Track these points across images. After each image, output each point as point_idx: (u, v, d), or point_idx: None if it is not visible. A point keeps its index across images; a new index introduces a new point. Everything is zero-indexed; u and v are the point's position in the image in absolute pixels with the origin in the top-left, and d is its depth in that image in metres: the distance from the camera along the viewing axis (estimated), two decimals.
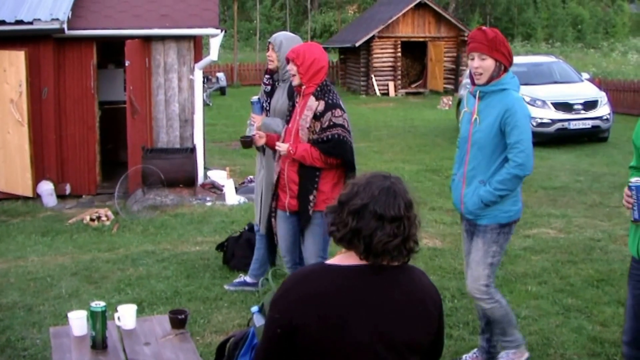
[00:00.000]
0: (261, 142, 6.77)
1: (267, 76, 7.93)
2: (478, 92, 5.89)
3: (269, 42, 7.76)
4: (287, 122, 6.70)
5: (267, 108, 7.81)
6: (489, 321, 6.34)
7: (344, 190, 3.29)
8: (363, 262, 3.22)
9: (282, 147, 6.50)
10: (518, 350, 6.25)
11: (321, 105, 6.39)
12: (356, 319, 3.12)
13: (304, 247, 6.68)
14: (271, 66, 7.79)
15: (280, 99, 7.68)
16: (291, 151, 6.40)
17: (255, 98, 7.70)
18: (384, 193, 3.21)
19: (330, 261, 3.30)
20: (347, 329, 3.12)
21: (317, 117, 6.38)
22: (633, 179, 4.76)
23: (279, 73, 7.74)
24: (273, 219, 6.84)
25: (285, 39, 7.69)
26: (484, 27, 5.90)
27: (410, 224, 3.24)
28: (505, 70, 5.85)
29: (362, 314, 3.14)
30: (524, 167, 5.73)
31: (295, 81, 6.53)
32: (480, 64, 5.79)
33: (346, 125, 6.41)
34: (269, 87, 7.90)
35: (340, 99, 6.54)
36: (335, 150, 6.36)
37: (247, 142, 6.81)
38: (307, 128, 6.40)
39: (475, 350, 6.55)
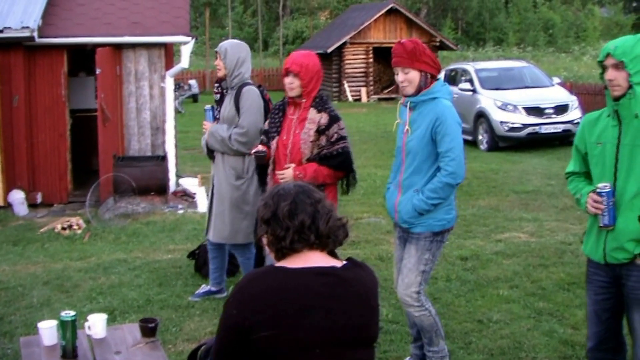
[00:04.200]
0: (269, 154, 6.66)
1: (216, 85, 7.97)
2: (409, 103, 5.91)
3: (216, 51, 7.82)
4: (278, 132, 6.55)
5: (218, 116, 7.89)
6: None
7: (259, 213, 3.44)
8: (311, 265, 3.34)
9: (286, 174, 6.33)
10: None
11: (324, 118, 6.31)
12: (306, 318, 3.22)
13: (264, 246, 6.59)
14: (220, 74, 7.85)
15: (227, 106, 7.74)
16: (299, 175, 6.25)
17: (208, 106, 7.85)
18: (296, 187, 3.43)
19: (279, 264, 3.40)
20: (297, 328, 3.21)
21: (321, 130, 6.29)
22: (600, 185, 4.80)
23: (227, 80, 7.77)
24: None
25: (230, 46, 7.77)
26: (403, 40, 5.89)
27: (332, 209, 3.46)
28: (434, 78, 5.88)
29: (312, 314, 3.23)
30: (455, 176, 5.74)
31: (294, 93, 6.40)
32: (405, 77, 5.81)
33: (347, 137, 6.40)
34: (218, 96, 7.98)
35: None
36: (344, 164, 6.33)
37: (262, 157, 6.57)
38: (312, 142, 6.31)
39: (408, 358, 6.57)
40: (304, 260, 3.35)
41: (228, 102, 7.77)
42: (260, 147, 6.60)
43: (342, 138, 6.31)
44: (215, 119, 7.91)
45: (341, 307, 3.28)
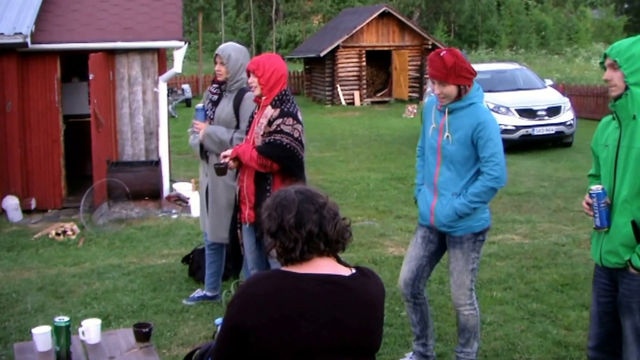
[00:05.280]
0: (235, 164, 6.72)
1: (214, 85, 7.94)
2: (447, 108, 5.91)
3: (217, 55, 7.83)
4: (246, 132, 6.73)
5: (212, 117, 7.86)
6: (424, 327, 6.41)
7: (264, 225, 3.42)
8: (319, 271, 3.32)
9: (228, 151, 6.63)
10: None
11: (276, 112, 6.42)
12: (309, 325, 3.21)
13: (270, 258, 6.65)
14: (220, 79, 7.85)
15: (225, 108, 7.78)
16: (236, 148, 6.55)
17: (200, 105, 7.84)
18: (297, 194, 3.39)
19: (286, 268, 3.37)
20: (299, 334, 3.20)
21: (270, 122, 6.42)
22: (593, 187, 4.82)
23: (227, 84, 7.80)
24: (238, 230, 6.83)
25: (234, 51, 7.78)
26: (443, 53, 5.82)
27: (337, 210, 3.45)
28: (470, 85, 5.89)
29: (315, 321, 3.22)
30: (500, 180, 5.82)
31: (256, 92, 6.54)
32: (442, 90, 5.83)
33: (296, 135, 6.39)
34: (215, 97, 7.92)
35: (298, 110, 6.55)
36: (272, 152, 6.34)
37: (222, 169, 6.73)
38: (262, 135, 6.45)
39: (410, 354, 6.60)
40: (312, 266, 3.34)
41: (226, 104, 7.79)
42: (221, 160, 6.69)
43: (282, 132, 6.37)
44: (209, 118, 7.89)
45: (344, 316, 3.27)
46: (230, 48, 7.87)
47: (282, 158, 6.36)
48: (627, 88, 4.62)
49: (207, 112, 7.86)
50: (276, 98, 6.49)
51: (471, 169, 5.90)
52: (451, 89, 5.82)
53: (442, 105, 5.95)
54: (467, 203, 5.84)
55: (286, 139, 6.34)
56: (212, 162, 7.76)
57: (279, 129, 6.37)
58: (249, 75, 6.59)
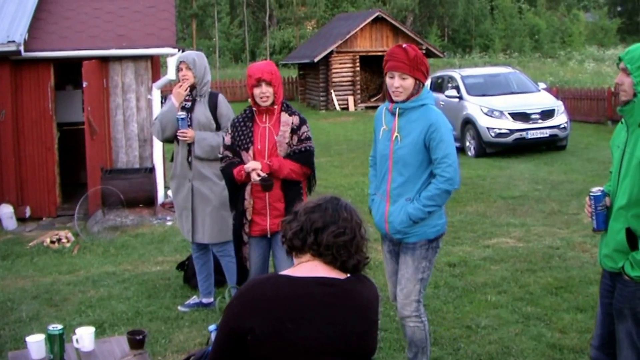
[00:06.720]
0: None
1: (186, 93, 8.09)
2: (398, 109, 5.88)
3: (181, 62, 8.04)
4: (251, 142, 6.57)
5: (189, 123, 8.02)
6: None
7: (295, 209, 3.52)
8: (315, 275, 3.35)
9: (253, 164, 6.42)
10: None
11: (296, 120, 6.62)
12: (306, 326, 3.23)
13: (280, 265, 6.61)
14: (188, 84, 8.04)
15: (204, 112, 8.02)
16: (268, 163, 6.42)
17: (181, 114, 7.94)
18: (335, 200, 3.47)
19: (283, 272, 3.42)
20: (297, 335, 3.22)
21: (293, 130, 6.57)
22: (593, 189, 4.83)
23: (197, 88, 8.04)
24: (246, 245, 6.73)
25: (197, 57, 8.12)
26: (404, 45, 5.84)
27: (359, 239, 3.42)
28: (422, 85, 5.89)
29: (313, 322, 3.25)
30: (453, 182, 5.75)
31: (269, 101, 6.55)
32: (401, 84, 5.77)
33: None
34: (189, 103, 8.10)
35: None
36: (309, 160, 6.58)
37: (269, 185, 6.48)
38: (287, 143, 6.53)
39: None
40: (308, 269, 3.37)
41: (203, 109, 8.04)
42: (263, 174, 6.44)
43: (309, 138, 6.65)
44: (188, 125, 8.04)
45: (341, 318, 3.30)
46: (192, 54, 8.24)
47: (312, 163, 6.66)
48: (635, 95, 4.61)
49: (187, 120, 7.99)
50: (285, 105, 6.67)
51: (424, 173, 5.82)
52: (410, 83, 5.78)
53: (394, 105, 5.90)
54: (421, 207, 5.75)
55: (312, 144, 6.66)
56: (197, 167, 8.01)
57: (307, 135, 6.63)
58: (258, 85, 6.53)
